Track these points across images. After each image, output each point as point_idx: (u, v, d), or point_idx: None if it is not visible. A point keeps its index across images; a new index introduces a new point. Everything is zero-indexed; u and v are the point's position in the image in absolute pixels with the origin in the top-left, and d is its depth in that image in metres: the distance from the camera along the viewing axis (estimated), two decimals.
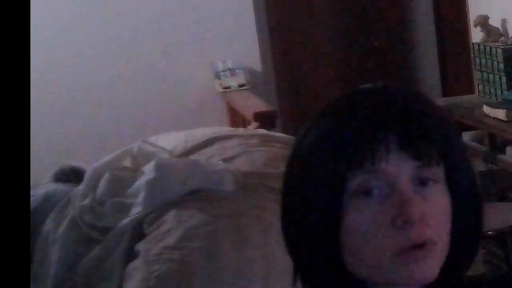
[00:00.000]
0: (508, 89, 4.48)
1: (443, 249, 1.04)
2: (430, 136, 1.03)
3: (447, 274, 1.06)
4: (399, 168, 1.02)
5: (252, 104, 4.83)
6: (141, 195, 2.90)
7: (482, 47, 4.73)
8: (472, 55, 5.02)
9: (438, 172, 1.04)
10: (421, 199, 1.02)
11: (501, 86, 4.55)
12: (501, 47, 4.59)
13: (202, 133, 3.62)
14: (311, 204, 1.05)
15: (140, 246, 2.76)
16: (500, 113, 4.22)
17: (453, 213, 1.06)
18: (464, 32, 5.45)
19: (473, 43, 4.96)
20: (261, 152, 3.27)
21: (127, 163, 3.23)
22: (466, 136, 4.54)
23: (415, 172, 1.02)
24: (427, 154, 1.02)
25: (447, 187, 1.05)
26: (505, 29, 4.84)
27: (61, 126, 5.33)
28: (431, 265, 1.02)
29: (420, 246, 1.01)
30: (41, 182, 3.26)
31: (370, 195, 1.02)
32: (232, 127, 4.91)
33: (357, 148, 1.02)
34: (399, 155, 1.02)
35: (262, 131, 3.81)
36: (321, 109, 1.09)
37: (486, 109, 4.37)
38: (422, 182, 1.03)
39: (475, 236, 1.10)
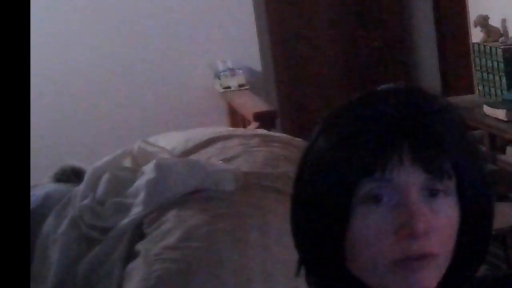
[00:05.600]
0: (508, 89, 4.49)
1: (445, 261, 1.03)
2: (444, 149, 1.01)
3: (452, 281, 1.06)
4: (409, 179, 1.00)
5: (252, 104, 4.83)
6: (141, 195, 2.90)
7: (482, 47, 4.73)
8: (472, 55, 5.02)
9: (449, 184, 1.02)
10: (428, 211, 1.00)
11: (501, 86, 4.56)
12: (501, 47, 4.59)
13: (202, 133, 3.62)
14: (320, 207, 1.04)
15: (140, 246, 2.76)
16: (500, 113, 4.23)
17: (462, 223, 1.04)
18: (464, 32, 5.45)
19: (473, 43, 4.97)
20: (261, 152, 3.27)
21: (127, 163, 3.23)
22: None
23: (425, 184, 1.01)
24: (439, 168, 1.01)
25: (458, 198, 1.04)
26: (505, 29, 4.84)
27: (61, 126, 5.33)
28: (429, 277, 1.01)
29: (421, 258, 1.00)
30: (41, 182, 3.26)
31: (379, 203, 1.01)
32: (232, 127, 4.91)
33: (369, 156, 1.00)
34: (411, 166, 1.00)
35: (262, 131, 3.81)
36: (334, 111, 1.07)
37: (486, 109, 4.37)
38: (432, 194, 1.01)
39: (483, 246, 1.09)
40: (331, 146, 1.04)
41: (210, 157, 3.27)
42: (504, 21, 4.85)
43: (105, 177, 3.05)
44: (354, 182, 1.01)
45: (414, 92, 1.06)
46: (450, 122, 1.04)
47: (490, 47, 4.65)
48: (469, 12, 5.30)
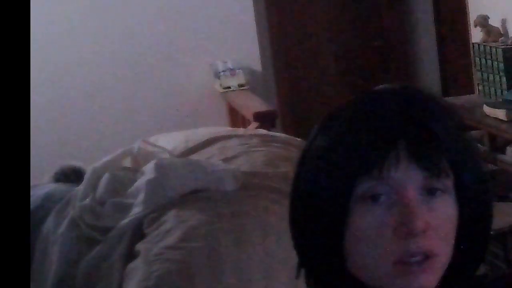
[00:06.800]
0: (508, 89, 4.49)
1: (444, 260, 1.03)
2: (441, 147, 1.02)
3: (451, 280, 1.06)
4: (407, 177, 1.01)
5: (252, 104, 4.83)
6: (141, 195, 2.90)
7: (482, 47, 4.73)
8: (472, 55, 5.02)
9: (447, 182, 1.02)
10: (427, 209, 1.01)
11: (501, 86, 4.55)
12: (501, 47, 4.59)
13: (202, 133, 3.62)
14: (318, 206, 1.04)
15: (140, 246, 2.76)
16: (500, 113, 4.22)
17: (461, 221, 1.04)
18: (464, 32, 5.45)
19: (473, 43, 4.96)
20: (261, 152, 3.27)
21: (127, 163, 3.23)
22: None
23: (423, 182, 1.01)
24: (437, 166, 1.01)
25: (456, 196, 1.04)
26: (505, 29, 4.84)
27: (61, 126, 5.33)
28: (430, 277, 1.01)
29: (420, 258, 1.00)
30: (41, 182, 3.26)
31: (377, 201, 1.01)
32: (232, 127, 4.91)
33: (367, 154, 1.01)
34: (409, 164, 1.01)
35: (262, 131, 3.81)
36: (332, 111, 1.08)
37: (486, 109, 4.37)
38: (430, 192, 1.02)
39: (482, 245, 1.09)
40: (329, 145, 1.04)
41: (210, 157, 3.27)
42: (504, 21, 4.85)
43: (105, 177, 3.06)
44: (352, 180, 1.01)
45: (412, 92, 1.06)
46: (447, 121, 1.04)
47: (490, 47, 4.65)
48: (469, 12, 5.30)
